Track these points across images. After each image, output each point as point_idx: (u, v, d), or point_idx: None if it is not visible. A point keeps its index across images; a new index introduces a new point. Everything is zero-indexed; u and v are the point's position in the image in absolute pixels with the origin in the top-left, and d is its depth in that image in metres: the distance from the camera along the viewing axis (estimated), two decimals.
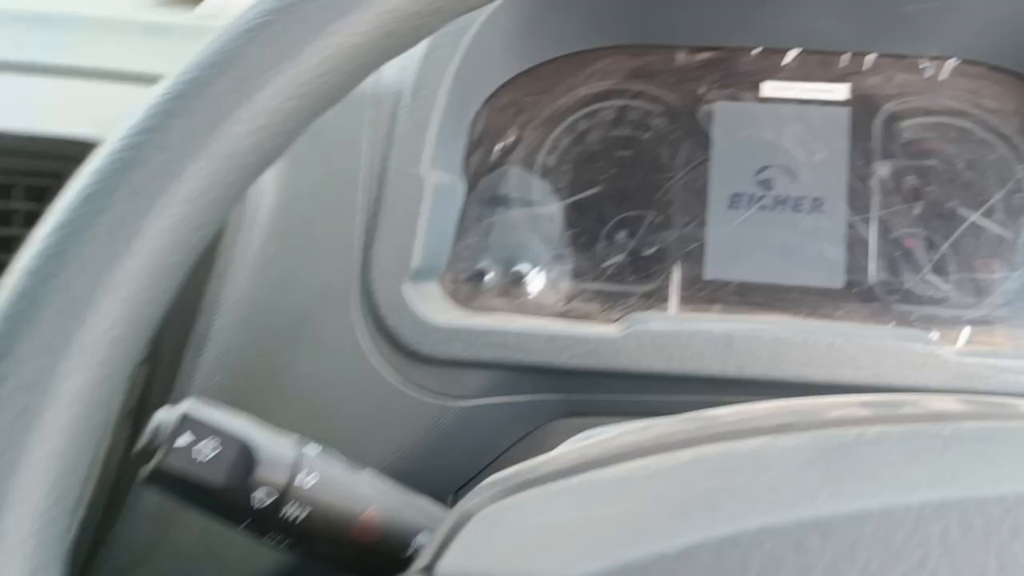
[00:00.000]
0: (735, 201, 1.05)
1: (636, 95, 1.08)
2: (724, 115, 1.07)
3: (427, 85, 0.95)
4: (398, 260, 0.95)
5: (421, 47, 0.97)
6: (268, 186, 0.98)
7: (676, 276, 1.02)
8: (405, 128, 0.95)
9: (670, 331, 0.93)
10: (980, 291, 1.00)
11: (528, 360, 0.93)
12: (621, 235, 1.05)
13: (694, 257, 1.03)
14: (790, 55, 1.07)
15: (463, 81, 0.98)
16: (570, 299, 1.03)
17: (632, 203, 1.06)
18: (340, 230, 0.97)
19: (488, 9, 0.96)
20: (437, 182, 0.96)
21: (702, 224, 1.04)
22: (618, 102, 1.08)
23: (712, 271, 1.03)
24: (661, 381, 0.93)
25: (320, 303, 0.97)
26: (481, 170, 1.06)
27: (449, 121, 0.99)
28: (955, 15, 0.98)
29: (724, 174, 1.05)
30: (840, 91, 1.05)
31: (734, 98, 1.07)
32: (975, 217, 1.02)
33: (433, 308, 0.97)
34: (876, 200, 1.03)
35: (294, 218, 0.98)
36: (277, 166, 0.98)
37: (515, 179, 1.07)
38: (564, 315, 1.02)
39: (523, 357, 0.93)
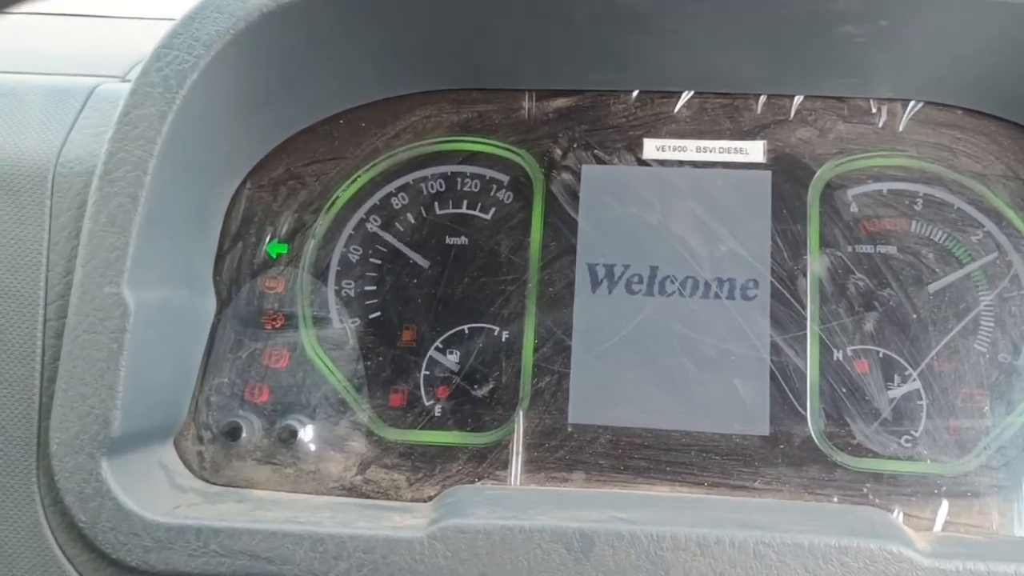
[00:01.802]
0: (609, 311, 0.74)
1: (466, 159, 0.77)
2: (592, 186, 0.76)
3: (124, 159, 0.64)
4: (88, 424, 0.64)
5: (118, 104, 0.65)
6: None
7: (520, 425, 0.71)
8: (95, 225, 0.64)
9: (498, 529, 0.62)
10: (962, 443, 0.69)
11: (283, 574, 0.62)
12: (445, 366, 0.74)
13: (550, 393, 0.72)
14: (682, 100, 0.76)
15: (193, 149, 0.67)
16: (365, 466, 0.72)
17: (461, 316, 0.75)
18: (13, 380, 0.66)
19: (225, 36, 0.65)
20: (152, 302, 0.66)
21: (564, 343, 0.73)
22: (441, 170, 0.78)
23: (577, 411, 0.72)
24: None
25: None
26: (241, 276, 0.75)
27: (173, 209, 0.68)
28: (916, 39, 0.67)
29: (592, 272, 0.74)
30: (755, 150, 0.75)
31: (604, 161, 0.76)
32: (956, 331, 0.72)
33: (149, 494, 0.66)
34: (812, 308, 0.72)
35: None
36: None
37: (291, 288, 0.75)
38: (355, 490, 0.71)
39: (274, 570, 0.62)
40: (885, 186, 0.76)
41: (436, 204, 0.78)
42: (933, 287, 0.73)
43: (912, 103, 0.76)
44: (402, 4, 0.68)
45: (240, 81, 0.70)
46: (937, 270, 0.74)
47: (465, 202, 0.78)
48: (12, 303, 0.67)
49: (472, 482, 0.72)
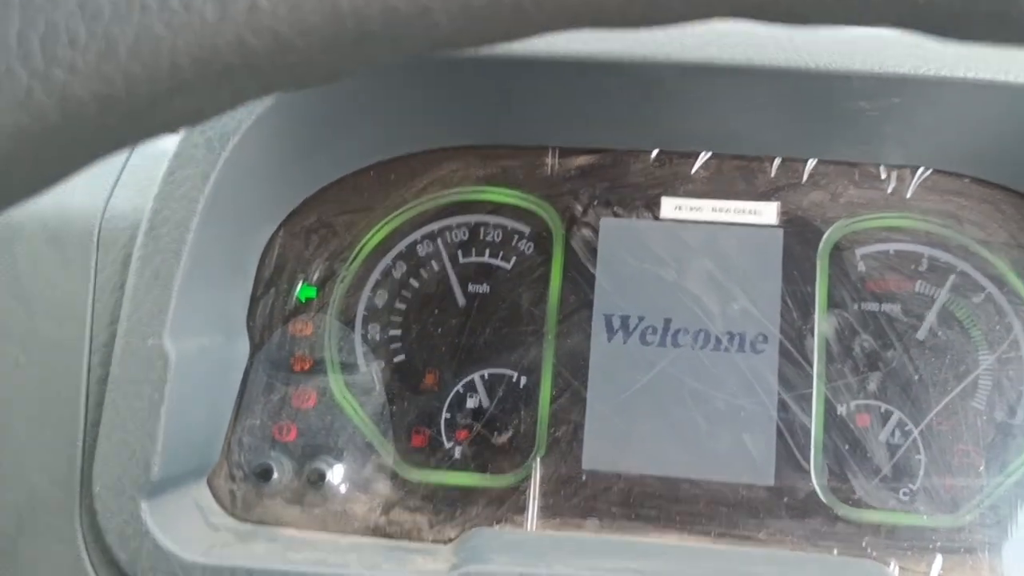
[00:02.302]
0: (624, 362, 0.78)
1: (492, 210, 0.81)
2: (610, 240, 0.80)
3: (169, 218, 0.67)
4: (130, 468, 0.68)
5: (162, 164, 0.69)
6: None
7: (537, 472, 0.75)
8: (139, 280, 0.67)
9: (518, 574, 0.65)
10: (956, 499, 0.73)
11: None
12: (466, 410, 0.78)
13: (566, 442, 0.76)
14: (699, 161, 0.80)
15: (232, 202, 0.71)
16: (389, 507, 0.75)
17: (482, 363, 0.79)
18: (59, 424, 0.70)
19: (267, 100, 0.68)
20: (191, 350, 0.70)
21: (580, 394, 0.76)
22: (465, 219, 0.81)
23: (591, 459, 0.76)
24: None
25: (38, 524, 0.70)
26: (273, 321, 0.79)
27: (211, 260, 0.72)
28: (926, 113, 0.71)
29: (609, 323, 0.78)
30: (768, 211, 0.78)
31: (623, 217, 0.79)
32: (957, 391, 0.75)
33: (185, 534, 0.70)
34: (819, 366, 0.76)
35: None
36: None
37: (320, 332, 0.79)
38: (380, 531, 0.75)
39: None
40: (892, 247, 0.79)
41: (460, 252, 0.82)
42: (935, 347, 0.77)
43: (920, 170, 0.79)
44: (433, 70, 0.71)
45: (278, 140, 0.73)
46: (940, 331, 0.77)
47: (487, 251, 0.82)
48: (58, 353, 0.71)
49: (491, 525, 0.75)
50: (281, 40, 0.31)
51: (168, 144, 0.71)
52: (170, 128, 0.33)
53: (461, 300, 0.81)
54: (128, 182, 0.74)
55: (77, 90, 0.29)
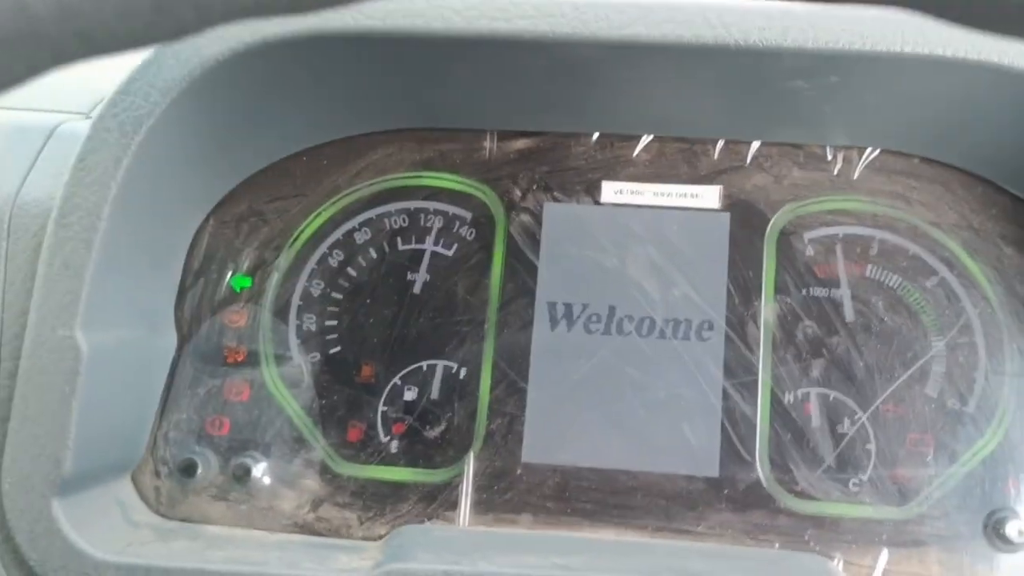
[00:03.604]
0: (567, 351, 0.75)
1: (431, 196, 0.79)
2: (552, 226, 0.77)
3: (79, 205, 0.65)
4: (39, 465, 0.66)
5: (74, 147, 0.67)
6: None
7: (471, 467, 0.73)
8: (49, 269, 0.65)
9: (441, 574, 0.63)
10: (904, 491, 0.71)
11: None
12: (403, 403, 0.76)
13: (502, 435, 0.74)
14: (641, 144, 0.77)
15: (151, 191, 0.69)
16: (318, 503, 0.73)
17: (420, 353, 0.76)
18: None
19: (183, 83, 0.66)
20: (108, 342, 0.68)
21: (519, 385, 0.74)
22: (403, 205, 0.79)
23: (531, 451, 0.73)
24: None
25: None
26: (202, 312, 0.77)
27: (130, 249, 0.69)
28: (868, 92, 0.68)
29: (553, 311, 0.76)
30: (710, 195, 0.76)
31: (564, 202, 0.77)
32: (905, 378, 0.73)
33: (102, 531, 0.68)
34: (763, 354, 0.73)
35: None
36: None
37: (254, 322, 0.77)
38: (308, 528, 0.73)
39: None
40: (840, 230, 0.77)
41: (399, 240, 0.80)
42: (883, 332, 0.75)
43: (868, 151, 0.77)
44: (356, 52, 0.69)
45: (199, 124, 0.71)
46: (887, 316, 0.75)
47: (428, 238, 0.80)
48: None
49: (422, 522, 0.73)
50: (65, 5, 0.29)
51: (85, 129, 0.69)
52: None
53: (400, 289, 0.79)
54: (43, 167, 0.71)
55: None
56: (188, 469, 0.73)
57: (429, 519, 0.73)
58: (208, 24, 0.30)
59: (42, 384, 0.66)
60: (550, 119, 0.77)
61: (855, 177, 0.76)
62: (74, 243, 0.66)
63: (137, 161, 0.67)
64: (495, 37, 0.66)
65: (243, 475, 0.73)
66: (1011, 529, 0.69)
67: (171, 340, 0.76)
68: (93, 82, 0.78)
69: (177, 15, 0.29)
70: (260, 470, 0.74)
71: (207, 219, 0.78)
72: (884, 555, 0.70)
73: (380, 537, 0.73)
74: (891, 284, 0.75)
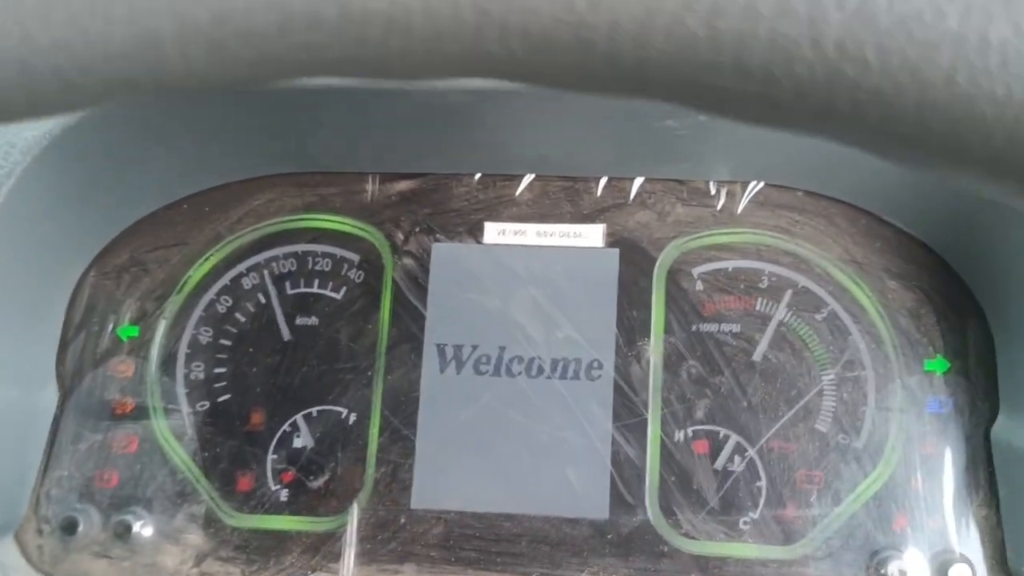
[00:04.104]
0: (455, 394, 0.75)
1: (315, 238, 0.78)
2: (438, 267, 0.77)
3: None
4: None
5: None
6: None
7: (355, 516, 0.72)
8: None
9: None
10: (789, 532, 0.71)
11: None
12: (292, 451, 0.75)
13: (386, 483, 0.73)
14: (523, 183, 0.77)
15: (23, 247, 0.69)
16: (202, 558, 0.73)
17: (309, 399, 0.76)
18: None
19: (43, 141, 0.65)
20: None
21: (403, 431, 0.74)
22: (291, 249, 0.78)
23: (419, 498, 0.73)
24: None
25: None
26: (84, 366, 0.76)
27: (5, 308, 0.68)
28: (740, 132, 0.67)
29: (441, 352, 0.75)
30: (592, 233, 0.76)
31: (446, 242, 0.77)
32: (791, 414, 0.72)
33: None
34: (650, 395, 0.73)
35: None
36: None
37: (140, 372, 0.76)
38: None
39: None
40: (730, 264, 0.76)
41: (287, 284, 0.79)
42: (770, 368, 0.74)
43: (751, 185, 0.76)
44: (224, 101, 0.68)
45: (69, 177, 0.70)
46: (774, 353, 0.74)
47: (316, 281, 0.79)
48: None
49: (306, 575, 0.73)
50: None
51: None
52: None
53: (288, 334, 0.78)
54: None
55: None
56: (69, 527, 0.73)
57: (313, 571, 0.73)
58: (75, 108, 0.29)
59: None
60: (430, 161, 0.77)
61: (739, 211, 0.76)
62: None
63: (1, 222, 0.66)
64: (360, 85, 0.66)
65: (124, 532, 0.73)
66: (893, 569, 0.69)
67: (52, 396, 0.76)
68: None
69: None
70: (141, 526, 0.73)
71: (87, 271, 0.78)
72: None
73: None
74: (781, 318, 0.75)
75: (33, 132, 0.67)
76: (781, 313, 0.75)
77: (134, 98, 0.29)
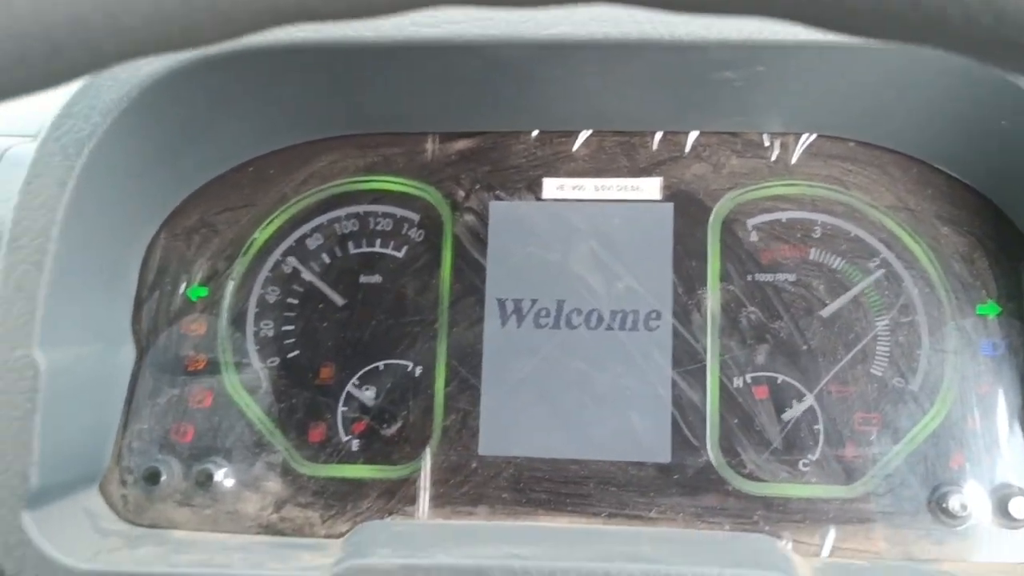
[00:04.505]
0: (517, 346, 0.77)
1: (377, 198, 0.81)
2: (498, 224, 0.79)
3: (28, 228, 0.67)
4: (7, 480, 0.68)
5: (22, 171, 0.69)
6: None
7: (428, 462, 0.75)
8: (4, 292, 0.67)
9: (399, 569, 0.66)
10: (850, 470, 0.73)
11: None
12: (361, 403, 0.78)
13: (456, 430, 0.76)
14: (580, 139, 0.79)
15: (100, 209, 0.71)
16: (281, 504, 0.76)
17: (376, 354, 0.78)
18: None
19: (122, 103, 0.68)
20: (67, 359, 0.70)
21: (471, 381, 0.76)
22: (353, 210, 0.81)
23: (487, 445, 0.76)
24: None
25: None
26: (159, 324, 0.79)
27: (83, 267, 0.72)
28: (797, 80, 0.70)
29: (503, 307, 0.78)
30: (650, 186, 0.78)
31: (506, 200, 0.79)
32: (849, 357, 0.75)
33: (73, 540, 0.71)
34: (709, 342, 0.75)
35: None
36: None
37: (212, 331, 0.79)
38: (272, 528, 0.75)
39: None
40: (783, 215, 0.78)
41: (350, 243, 0.82)
42: (827, 314, 0.76)
43: (804, 136, 0.78)
44: (292, 64, 0.71)
45: (143, 141, 0.73)
46: (829, 299, 0.76)
47: (378, 241, 0.82)
48: None
49: (382, 518, 0.75)
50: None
51: (32, 152, 0.71)
52: None
53: (352, 292, 0.81)
54: None
55: None
56: (152, 477, 0.76)
57: (389, 514, 0.75)
58: (127, 59, 0.32)
59: (4, 403, 0.68)
60: (489, 119, 0.79)
61: (793, 163, 0.78)
62: (26, 266, 0.68)
63: (82, 182, 0.69)
64: (426, 43, 0.68)
65: (205, 480, 0.75)
66: (954, 503, 0.71)
67: (129, 353, 0.78)
68: (40, 105, 0.79)
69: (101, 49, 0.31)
70: (222, 475, 0.76)
71: (158, 233, 0.80)
72: (832, 533, 0.72)
73: (342, 534, 0.75)
74: (834, 267, 0.77)
75: (112, 96, 0.69)
76: (835, 262, 0.77)
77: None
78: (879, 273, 0.76)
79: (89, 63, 0.33)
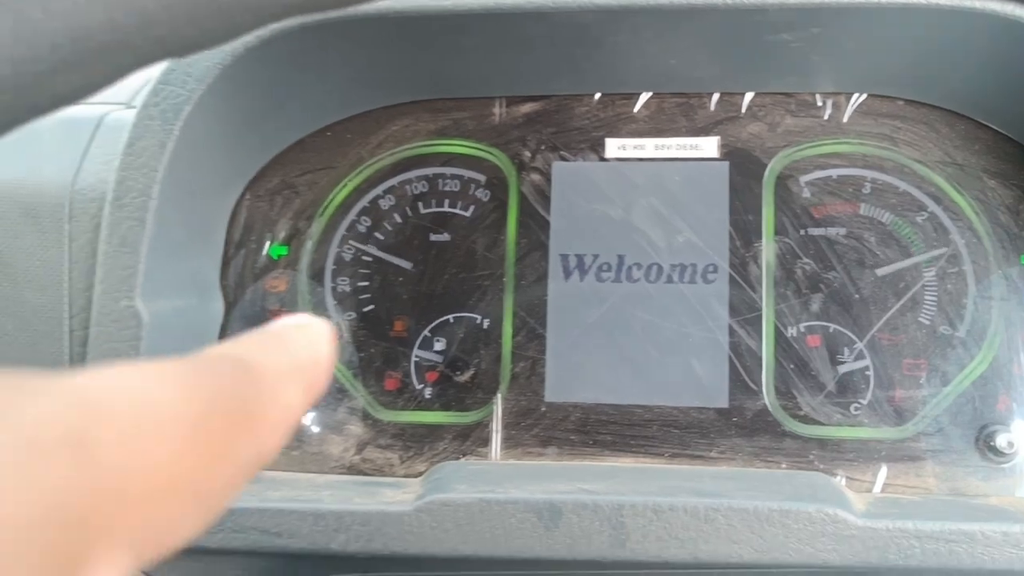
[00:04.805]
0: (580, 299, 0.82)
1: (447, 161, 0.85)
2: (561, 183, 0.83)
3: (131, 187, 0.72)
4: None
5: (124, 133, 0.74)
6: None
7: (499, 407, 0.80)
8: (109, 247, 0.73)
9: (476, 502, 0.71)
10: (901, 412, 0.77)
11: (292, 547, 0.72)
12: (433, 353, 0.82)
13: (525, 377, 0.80)
14: (640, 101, 0.83)
15: (193, 170, 0.76)
16: (362, 446, 0.81)
17: (446, 307, 0.83)
18: None
19: (215, 71, 0.73)
20: (165, 310, 0.75)
21: (538, 331, 0.81)
22: (423, 172, 0.85)
23: (552, 393, 0.80)
24: (470, 564, 0.71)
25: None
26: (245, 280, 0.84)
27: (178, 225, 0.77)
28: (849, 40, 0.73)
29: (565, 262, 0.82)
30: (708, 145, 0.82)
31: (569, 160, 0.83)
32: (898, 306, 0.78)
33: None
34: (765, 292, 0.79)
35: None
36: None
37: (292, 287, 0.84)
38: (354, 468, 0.80)
39: (285, 543, 0.72)
40: (834, 172, 0.82)
41: (420, 204, 0.86)
42: (878, 267, 0.80)
43: (855, 96, 0.82)
44: (374, 32, 0.75)
45: (233, 107, 0.78)
46: (880, 251, 0.80)
47: (446, 201, 0.86)
48: (42, 318, 0.76)
49: (457, 458, 0.81)
50: (147, 15, 0.36)
51: (129, 118, 0.76)
52: (61, 103, 0.38)
53: (424, 249, 0.85)
54: (94, 155, 0.79)
55: None
56: None
57: (464, 455, 0.80)
58: (260, 25, 0.37)
59: (110, 349, 0.74)
60: (554, 82, 0.83)
61: (845, 121, 0.82)
62: (129, 222, 0.74)
63: (179, 144, 0.74)
64: (500, 9, 0.72)
65: None
66: (1001, 441, 0.75)
67: (219, 306, 0.84)
68: None
69: (237, 19, 0.36)
70: (308, 419, 0.81)
71: (244, 194, 0.85)
72: (883, 471, 0.76)
73: (420, 474, 0.80)
74: (883, 220, 0.81)
75: (206, 63, 0.74)
76: (884, 216, 0.81)
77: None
78: (927, 229, 0.80)
79: (250, 23, 0.38)
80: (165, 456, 0.20)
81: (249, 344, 0.26)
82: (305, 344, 0.27)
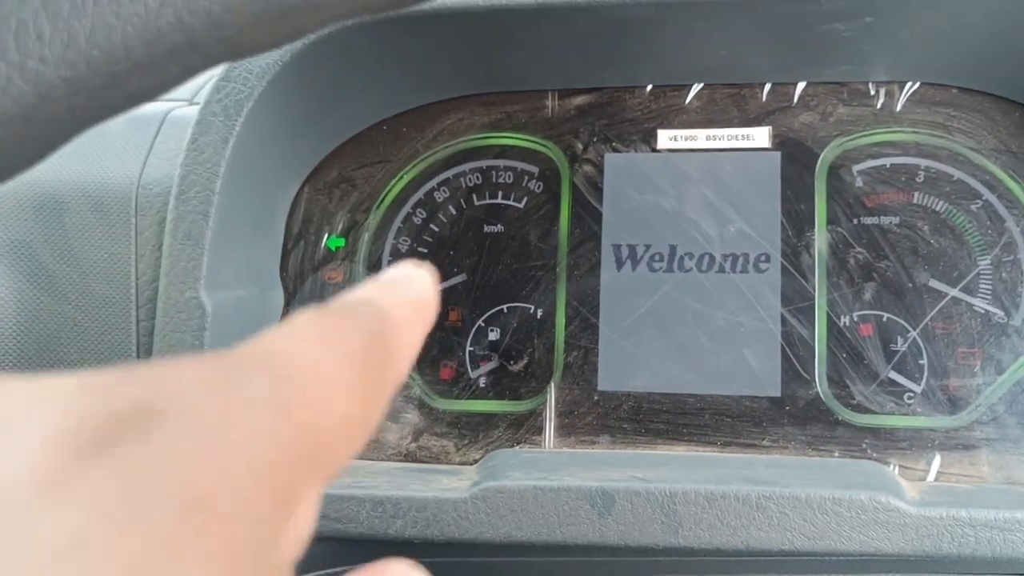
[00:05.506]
0: (632, 288, 0.82)
1: (500, 154, 0.86)
2: (613, 174, 0.84)
3: (195, 182, 0.74)
4: None
5: (187, 130, 0.76)
6: (10, 325, 0.78)
7: (552, 396, 0.81)
8: (174, 240, 0.75)
9: (531, 489, 0.72)
10: (955, 401, 0.76)
11: (349, 532, 0.74)
12: (488, 343, 0.84)
13: (578, 366, 0.81)
14: (692, 92, 0.83)
15: (254, 165, 0.78)
16: (419, 434, 0.82)
17: (500, 298, 0.84)
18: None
19: (275, 68, 0.75)
20: (228, 301, 0.78)
21: (591, 321, 0.82)
22: (477, 164, 0.86)
23: (605, 382, 0.81)
24: (524, 550, 0.73)
25: None
26: (304, 271, 0.86)
27: (240, 218, 0.78)
28: (903, 29, 0.73)
29: (617, 251, 0.83)
30: (760, 135, 0.82)
31: (622, 151, 0.84)
32: (954, 293, 0.78)
33: None
34: (817, 281, 0.79)
35: (51, 363, 0.79)
36: (23, 297, 0.79)
37: (349, 278, 0.86)
38: (411, 456, 0.82)
39: (342, 528, 0.74)
40: (887, 161, 0.82)
41: (474, 196, 0.87)
42: (931, 254, 0.80)
43: (908, 84, 0.81)
44: (429, 28, 0.76)
45: (292, 103, 0.79)
46: (934, 240, 0.80)
47: (500, 193, 0.87)
48: (110, 309, 0.79)
49: (511, 446, 0.82)
50: (214, 18, 0.37)
51: (192, 114, 0.78)
52: (133, 102, 0.39)
53: (478, 240, 0.87)
54: (159, 151, 0.81)
55: (48, 76, 0.36)
56: None
57: (518, 444, 0.82)
58: (323, 26, 0.38)
59: (176, 339, 0.76)
60: (606, 75, 0.84)
61: (898, 110, 0.81)
62: (193, 216, 0.76)
63: (241, 139, 0.76)
64: (551, 4, 0.73)
65: None
66: None
67: (279, 297, 0.86)
68: None
69: (300, 22, 0.37)
70: None
71: (302, 187, 0.87)
72: (937, 460, 0.76)
73: (475, 461, 0.81)
74: (937, 209, 0.80)
75: (266, 61, 0.76)
76: (938, 204, 0.80)
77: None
78: (982, 217, 0.79)
79: (313, 25, 0.39)
80: (344, 403, 0.25)
81: (376, 289, 0.31)
82: (416, 286, 0.32)
